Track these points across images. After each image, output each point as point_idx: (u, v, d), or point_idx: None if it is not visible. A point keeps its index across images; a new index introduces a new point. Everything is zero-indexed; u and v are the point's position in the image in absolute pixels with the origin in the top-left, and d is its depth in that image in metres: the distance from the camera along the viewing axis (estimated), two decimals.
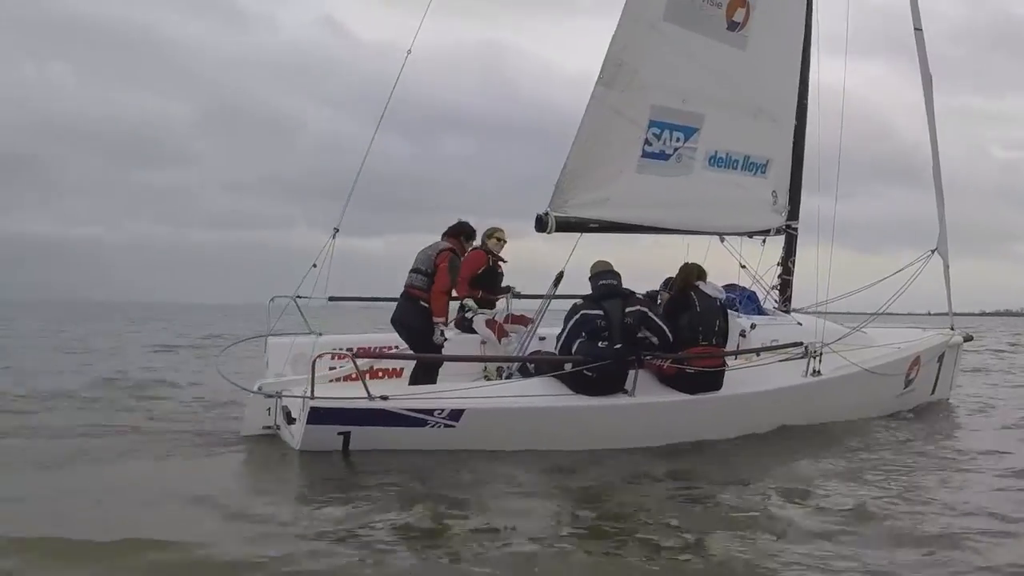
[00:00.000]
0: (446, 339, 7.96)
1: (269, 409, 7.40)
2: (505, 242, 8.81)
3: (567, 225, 7.50)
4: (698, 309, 7.71)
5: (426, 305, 7.84)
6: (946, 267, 10.10)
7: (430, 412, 6.77)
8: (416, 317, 7.89)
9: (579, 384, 7.24)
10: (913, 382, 9.42)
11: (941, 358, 10.00)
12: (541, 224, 7.42)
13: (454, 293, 8.31)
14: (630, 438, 7.18)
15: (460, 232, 8.17)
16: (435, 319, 7.80)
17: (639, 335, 7.38)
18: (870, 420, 8.65)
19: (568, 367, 7.20)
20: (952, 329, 10.43)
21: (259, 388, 7.55)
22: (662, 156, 8.02)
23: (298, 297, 7.72)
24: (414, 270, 8.03)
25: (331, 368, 7.75)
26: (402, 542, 4.61)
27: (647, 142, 7.86)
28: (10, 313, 41.54)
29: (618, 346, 7.23)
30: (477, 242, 8.67)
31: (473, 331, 8.57)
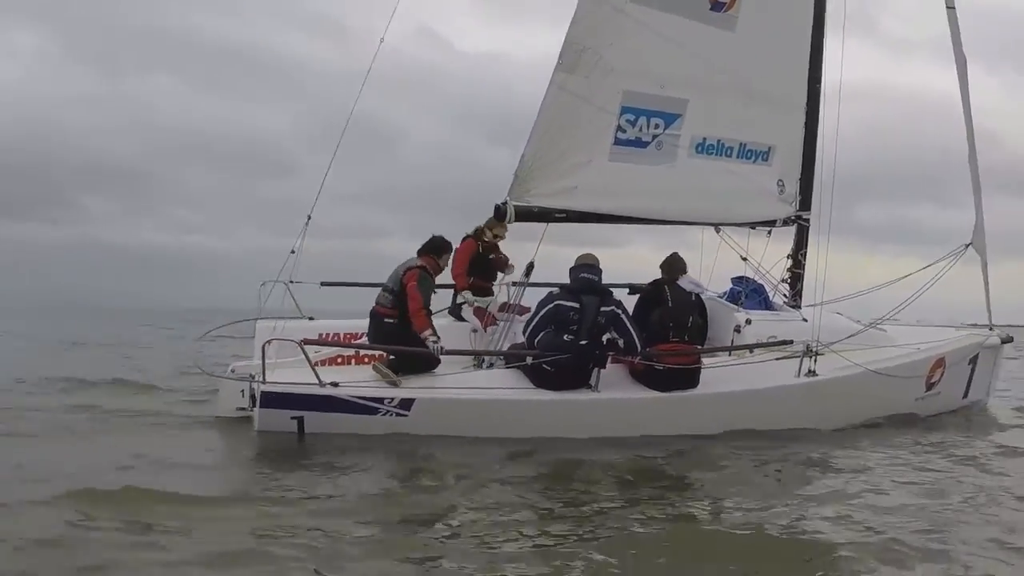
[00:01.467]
0: (442, 347, 7.34)
1: (243, 391, 7.62)
2: (501, 238, 8.46)
3: (529, 215, 7.33)
4: (670, 304, 7.45)
5: (391, 322, 7.47)
6: (984, 263, 9.39)
7: (380, 400, 6.86)
8: (381, 338, 7.53)
9: (541, 378, 7.13)
10: (936, 385, 8.77)
11: (974, 360, 9.26)
12: (499, 213, 7.30)
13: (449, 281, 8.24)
14: (589, 432, 7.03)
15: (433, 249, 7.76)
16: (422, 335, 7.29)
17: (607, 336, 7.20)
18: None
19: (529, 360, 7.10)
20: (991, 330, 9.64)
21: (232, 371, 7.77)
22: (639, 143, 7.71)
23: (290, 282, 7.90)
24: (383, 287, 7.72)
25: (315, 352, 7.85)
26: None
27: (620, 129, 7.57)
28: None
29: (583, 342, 7.07)
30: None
31: (464, 319, 8.55)
